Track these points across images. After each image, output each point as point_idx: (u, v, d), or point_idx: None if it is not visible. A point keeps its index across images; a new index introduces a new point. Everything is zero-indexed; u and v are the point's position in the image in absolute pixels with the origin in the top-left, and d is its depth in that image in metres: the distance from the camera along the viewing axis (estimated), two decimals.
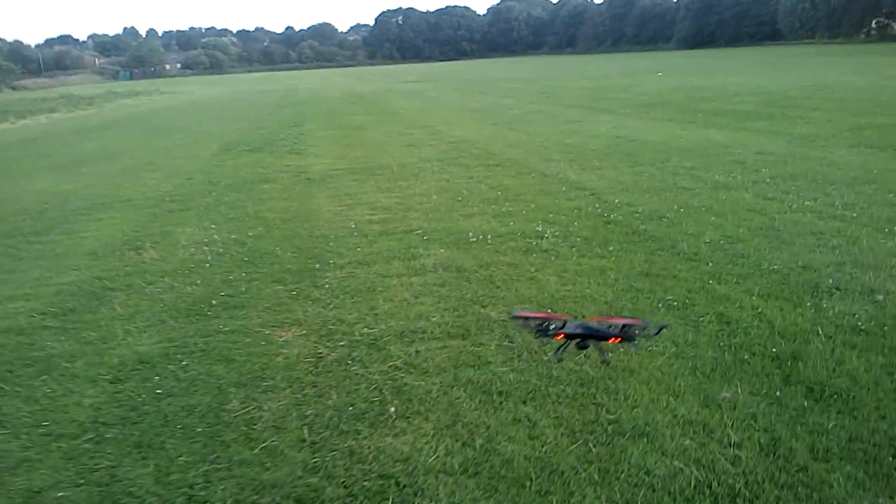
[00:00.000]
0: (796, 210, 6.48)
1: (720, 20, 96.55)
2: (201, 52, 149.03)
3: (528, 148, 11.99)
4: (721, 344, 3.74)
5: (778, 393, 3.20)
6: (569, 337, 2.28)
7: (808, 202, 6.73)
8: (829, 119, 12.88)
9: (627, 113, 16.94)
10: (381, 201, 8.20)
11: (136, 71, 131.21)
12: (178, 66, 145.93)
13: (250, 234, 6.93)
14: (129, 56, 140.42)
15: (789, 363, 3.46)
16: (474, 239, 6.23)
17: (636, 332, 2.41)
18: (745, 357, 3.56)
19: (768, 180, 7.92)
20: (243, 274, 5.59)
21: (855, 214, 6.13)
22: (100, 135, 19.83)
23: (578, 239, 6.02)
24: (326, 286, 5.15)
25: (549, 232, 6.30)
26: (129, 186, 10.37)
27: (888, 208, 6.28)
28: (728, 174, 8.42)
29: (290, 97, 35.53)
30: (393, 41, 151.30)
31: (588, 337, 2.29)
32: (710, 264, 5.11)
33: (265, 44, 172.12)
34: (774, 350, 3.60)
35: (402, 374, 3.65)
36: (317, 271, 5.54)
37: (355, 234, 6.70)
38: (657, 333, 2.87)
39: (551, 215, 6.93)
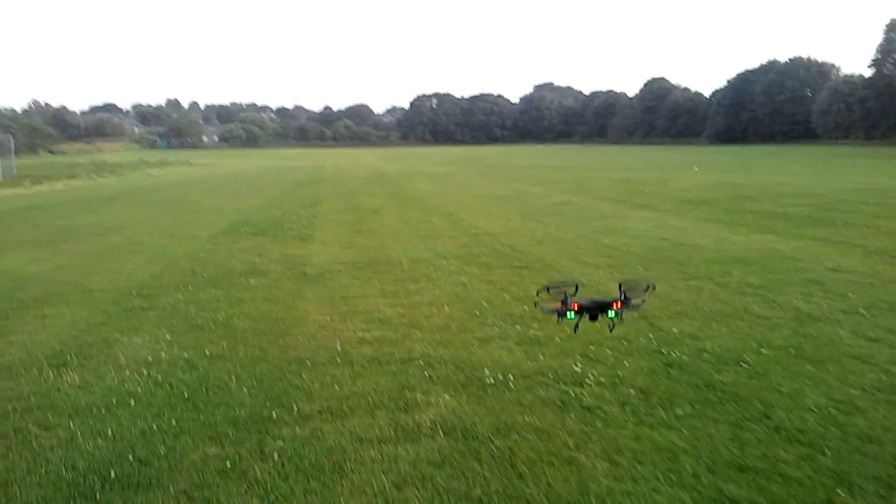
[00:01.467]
0: None
1: (753, 117, 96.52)
2: (238, 125, 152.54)
3: (559, 246, 10.57)
4: None
5: None
6: (582, 308, 2.89)
7: None
8: None
9: (668, 210, 15.54)
10: (382, 310, 6.74)
11: (172, 141, 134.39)
12: (216, 138, 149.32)
13: (207, 351, 5.47)
14: (168, 126, 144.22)
15: None
16: (491, 380, 4.69)
17: (632, 294, 3.03)
18: None
19: (863, 311, 6.33)
20: (173, 422, 4.09)
21: None
22: (106, 206, 18.88)
23: (632, 391, 4.46)
24: (276, 456, 3.61)
25: (591, 375, 4.76)
26: (102, 272, 9.06)
27: None
28: (808, 299, 6.85)
29: (315, 175, 34.88)
30: (426, 124, 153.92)
31: (596, 307, 2.92)
32: (829, 454, 3.52)
33: (302, 121, 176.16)
34: None
35: None
36: (271, 424, 4.02)
37: (339, 359, 5.20)
38: (647, 293, 3.14)
39: (592, 347, 5.39)
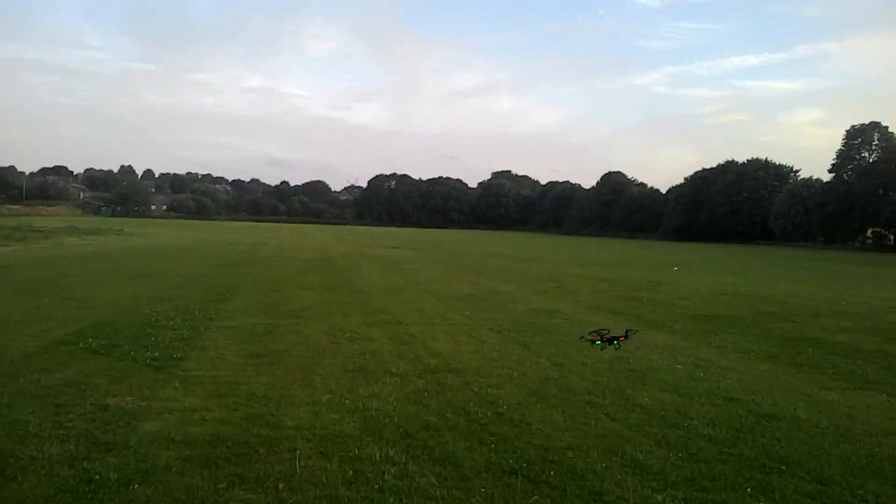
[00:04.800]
0: None
1: (711, 216, 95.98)
2: (189, 196, 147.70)
3: (572, 409, 6.45)
4: None
5: None
6: (605, 339, 9.30)
7: None
8: None
9: (688, 332, 11.69)
10: None
11: (118, 208, 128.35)
12: (164, 207, 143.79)
13: None
14: (115, 193, 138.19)
15: None
16: None
17: (628, 335, 9.64)
18: None
19: None
20: None
21: None
22: None
23: None
24: None
25: None
26: None
27: None
28: None
29: (250, 253, 30.51)
30: (383, 204, 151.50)
31: (613, 338, 9.34)
32: None
33: (257, 194, 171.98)
34: None
35: None
36: None
37: None
38: (635, 333, 9.64)
39: None
